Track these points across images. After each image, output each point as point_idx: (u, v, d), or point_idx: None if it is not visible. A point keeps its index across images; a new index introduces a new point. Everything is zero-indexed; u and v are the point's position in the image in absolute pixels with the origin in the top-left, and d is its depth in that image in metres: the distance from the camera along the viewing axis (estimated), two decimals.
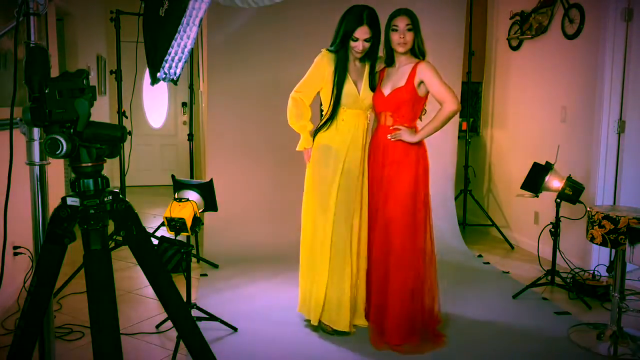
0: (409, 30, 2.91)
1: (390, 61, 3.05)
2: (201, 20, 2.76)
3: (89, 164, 1.56)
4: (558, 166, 3.78)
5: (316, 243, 3.06)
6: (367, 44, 2.93)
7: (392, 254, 2.95)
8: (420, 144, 3.02)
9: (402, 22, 2.91)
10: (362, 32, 2.89)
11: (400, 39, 2.92)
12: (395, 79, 3.00)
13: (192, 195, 2.81)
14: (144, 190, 7.58)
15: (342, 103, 2.99)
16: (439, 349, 2.92)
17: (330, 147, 3.02)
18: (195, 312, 3.04)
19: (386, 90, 3.01)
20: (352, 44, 2.92)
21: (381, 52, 3.07)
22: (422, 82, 2.94)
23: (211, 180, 2.89)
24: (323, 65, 3.00)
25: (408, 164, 2.98)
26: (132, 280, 3.96)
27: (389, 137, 3.00)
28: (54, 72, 1.70)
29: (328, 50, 3.01)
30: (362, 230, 3.08)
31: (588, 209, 3.10)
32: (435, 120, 2.95)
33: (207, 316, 3.08)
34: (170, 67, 2.78)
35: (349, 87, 2.99)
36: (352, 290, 3.03)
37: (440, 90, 2.92)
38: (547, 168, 3.67)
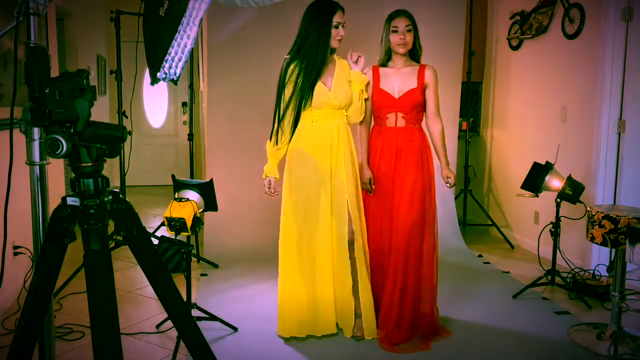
0: (409, 31, 2.95)
1: (386, 61, 3.06)
2: (201, 20, 2.76)
3: (89, 164, 1.55)
4: (558, 166, 3.78)
5: (303, 252, 2.98)
6: (343, 31, 2.90)
7: (406, 256, 2.96)
8: (428, 147, 3.09)
9: (401, 24, 2.95)
10: (340, 17, 2.87)
11: (401, 39, 2.95)
12: (401, 81, 3.02)
13: (192, 195, 2.81)
14: (144, 190, 7.57)
15: (312, 105, 2.91)
16: (443, 340, 3.00)
17: (304, 150, 2.95)
18: (195, 312, 3.04)
19: (392, 91, 3.01)
20: (333, 32, 2.86)
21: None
22: (426, 86, 3.04)
23: (211, 180, 2.89)
24: (290, 73, 2.93)
25: (424, 166, 3.05)
26: (132, 280, 3.96)
27: (448, 186, 3.06)
28: (54, 72, 1.70)
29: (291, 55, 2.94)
30: (362, 233, 2.99)
31: (588, 208, 3.10)
32: (442, 141, 3.10)
33: (207, 316, 3.08)
34: (170, 67, 2.78)
35: (319, 87, 2.90)
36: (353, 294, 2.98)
37: (436, 102, 3.09)
38: (547, 168, 3.67)
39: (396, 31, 2.95)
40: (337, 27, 2.87)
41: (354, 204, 2.95)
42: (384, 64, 3.07)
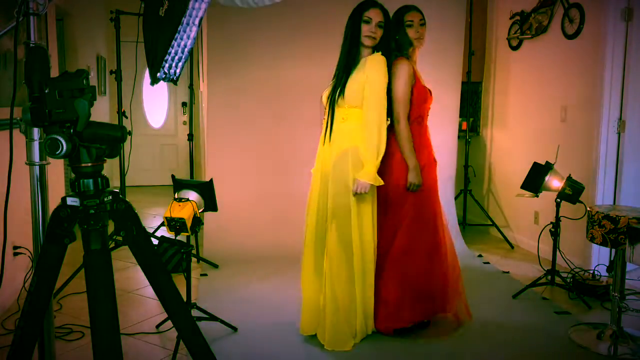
0: (422, 25, 2.97)
1: (408, 56, 3.02)
2: (201, 20, 2.76)
3: (89, 164, 1.55)
4: (558, 166, 3.78)
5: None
6: (380, 31, 2.76)
7: (439, 244, 3.06)
8: None
9: (416, 17, 2.97)
10: (374, 13, 2.75)
11: (417, 33, 2.97)
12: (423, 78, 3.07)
13: (192, 195, 2.81)
14: (144, 190, 7.58)
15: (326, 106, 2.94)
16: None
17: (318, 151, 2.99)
18: (195, 312, 3.04)
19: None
20: (363, 27, 2.75)
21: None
22: None
23: (211, 180, 2.89)
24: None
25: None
26: (132, 280, 3.96)
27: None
28: (54, 72, 1.70)
29: None
30: (372, 232, 2.90)
31: (588, 208, 3.10)
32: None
33: (207, 316, 3.08)
34: (170, 67, 2.78)
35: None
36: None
37: None
38: (547, 168, 3.67)
39: (411, 25, 2.95)
40: (367, 22, 2.75)
41: (337, 212, 2.82)
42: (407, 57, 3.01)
